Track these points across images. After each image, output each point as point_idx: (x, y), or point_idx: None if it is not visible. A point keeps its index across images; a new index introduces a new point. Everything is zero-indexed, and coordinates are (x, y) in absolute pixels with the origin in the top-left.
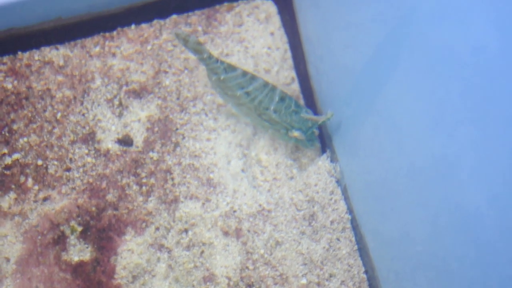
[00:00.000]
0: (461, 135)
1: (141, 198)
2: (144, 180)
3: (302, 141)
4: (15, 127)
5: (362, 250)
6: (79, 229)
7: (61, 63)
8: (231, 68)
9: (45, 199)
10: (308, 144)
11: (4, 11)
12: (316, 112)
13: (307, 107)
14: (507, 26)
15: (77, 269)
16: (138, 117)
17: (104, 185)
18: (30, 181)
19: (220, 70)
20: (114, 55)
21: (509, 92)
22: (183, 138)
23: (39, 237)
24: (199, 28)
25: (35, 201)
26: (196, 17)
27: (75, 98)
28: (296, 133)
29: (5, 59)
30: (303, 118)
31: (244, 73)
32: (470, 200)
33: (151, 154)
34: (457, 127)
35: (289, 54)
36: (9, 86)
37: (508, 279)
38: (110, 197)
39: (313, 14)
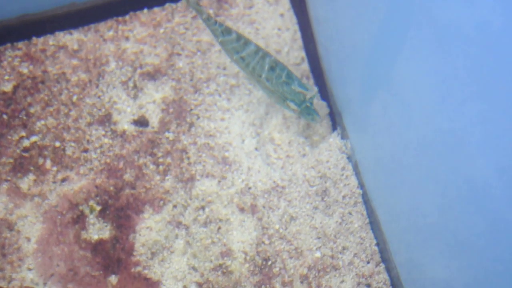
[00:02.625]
0: (469, 110)
1: (158, 177)
2: (160, 160)
3: (301, 113)
4: (32, 110)
5: (374, 223)
6: (98, 208)
7: (76, 47)
8: (227, 31)
9: (63, 180)
10: (308, 117)
11: None
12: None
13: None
14: None
15: (97, 247)
16: (153, 99)
17: (121, 165)
18: (48, 163)
19: (218, 32)
20: (127, 38)
21: None
22: (198, 118)
23: (59, 217)
24: (210, 11)
25: (54, 182)
26: (207, 0)
27: (90, 81)
28: (290, 104)
29: (20, 44)
30: (294, 90)
31: (239, 37)
32: (478, 173)
33: (166, 134)
34: (465, 102)
35: (298, 34)
36: (25, 70)
37: None
38: (127, 176)
39: None
